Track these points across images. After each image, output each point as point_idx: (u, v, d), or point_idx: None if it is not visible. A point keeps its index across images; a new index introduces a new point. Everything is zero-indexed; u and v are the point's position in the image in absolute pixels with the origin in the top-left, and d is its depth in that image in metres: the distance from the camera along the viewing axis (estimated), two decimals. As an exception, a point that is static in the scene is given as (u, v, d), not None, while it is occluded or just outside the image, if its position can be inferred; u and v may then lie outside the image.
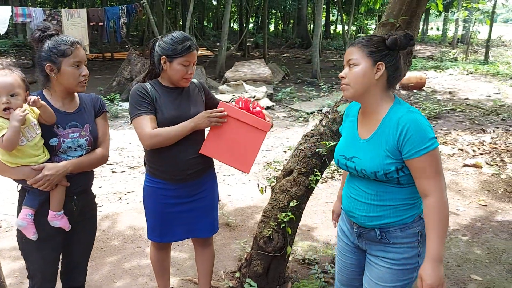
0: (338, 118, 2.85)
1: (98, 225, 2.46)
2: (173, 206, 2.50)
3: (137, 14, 11.48)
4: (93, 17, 10.35)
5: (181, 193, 2.48)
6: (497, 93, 11.02)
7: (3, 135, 1.84)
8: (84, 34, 10.09)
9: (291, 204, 2.85)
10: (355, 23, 24.53)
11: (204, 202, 2.58)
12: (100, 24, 10.51)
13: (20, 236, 2.09)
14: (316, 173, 2.87)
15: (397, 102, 1.79)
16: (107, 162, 5.51)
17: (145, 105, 2.32)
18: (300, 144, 3.04)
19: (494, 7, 17.76)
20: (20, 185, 2.10)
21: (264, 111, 2.49)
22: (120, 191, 4.88)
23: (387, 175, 1.74)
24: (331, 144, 2.75)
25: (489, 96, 10.73)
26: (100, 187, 4.95)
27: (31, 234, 2.02)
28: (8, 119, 1.86)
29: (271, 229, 2.90)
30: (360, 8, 23.14)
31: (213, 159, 2.53)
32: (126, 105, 9.44)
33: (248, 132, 2.36)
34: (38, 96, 1.95)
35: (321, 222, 4.17)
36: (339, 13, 28.47)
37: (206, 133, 2.44)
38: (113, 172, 5.50)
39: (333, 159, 2.06)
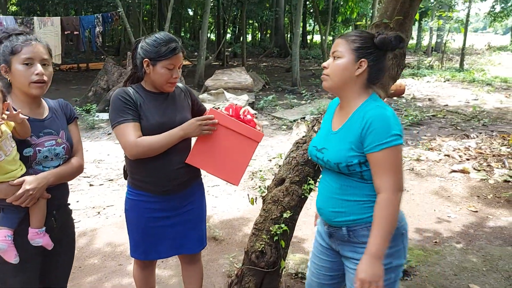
0: (331, 123, 2.71)
1: (75, 242, 2.24)
2: (158, 220, 2.30)
3: (113, 23, 11.22)
4: (67, 26, 10.05)
5: (167, 206, 2.30)
6: (475, 99, 11.16)
7: None
8: (57, 43, 9.78)
9: (284, 215, 2.69)
10: (332, 32, 24.75)
11: (192, 215, 2.40)
12: (75, 32, 10.21)
13: None
14: (310, 182, 2.72)
15: (371, 98, 1.78)
16: (84, 175, 5.24)
17: (128, 111, 2.12)
18: (292, 151, 2.89)
19: (467, 15, 18.18)
20: None
21: (255, 119, 2.33)
22: (99, 205, 4.62)
23: (349, 167, 1.73)
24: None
25: (468, 102, 10.85)
26: (77, 201, 4.68)
27: (13, 257, 1.79)
28: None
29: (264, 242, 2.74)
30: (337, 18, 23.43)
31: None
32: (102, 115, 9.14)
33: (239, 142, 2.20)
34: (19, 111, 1.71)
35: (312, 233, 4.01)
36: (315, 23, 28.76)
37: (193, 140, 2.27)
38: (90, 185, 5.23)
39: None
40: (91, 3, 21.01)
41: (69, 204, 2.13)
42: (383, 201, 1.66)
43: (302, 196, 2.73)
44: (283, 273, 2.99)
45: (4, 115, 1.68)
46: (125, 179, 2.41)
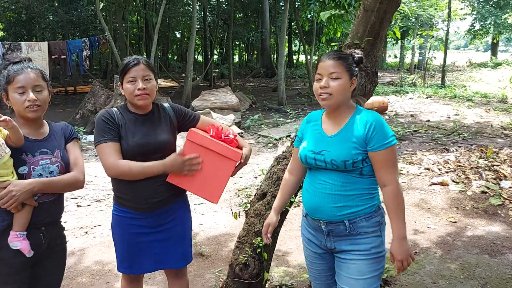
0: (309, 139, 2.84)
1: (66, 259, 2.31)
2: (141, 236, 2.39)
3: (100, 46, 11.37)
4: (54, 50, 10.19)
5: (149, 222, 2.37)
6: (456, 115, 11.45)
7: None
8: (45, 67, 9.89)
9: (266, 228, 2.79)
10: (317, 52, 25.19)
11: (175, 231, 2.47)
12: (62, 57, 10.34)
13: None
14: (290, 195, 2.83)
15: (358, 107, 2.07)
16: (71, 196, 5.26)
17: (109, 131, 2.23)
18: (273, 166, 3.02)
19: (447, 33, 18.71)
20: None
21: (238, 137, 2.45)
22: (87, 225, 4.68)
23: (354, 164, 1.94)
24: (304, 165, 2.73)
25: (449, 118, 11.13)
26: (65, 222, 4.71)
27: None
28: None
29: (247, 255, 2.83)
30: (321, 38, 23.85)
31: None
32: (90, 138, 9.19)
33: (217, 161, 2.28)
34: (7, 117, 1.86)
35: (296, 247, 4.11)
36: (300, 44, 29.24)
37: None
38: (78, 206, 5.28)
39: (299, 158, 2.14)
40: (78, 27, 21.16)
41: (61, 222, 2.20)
42: (392, 192, 1.95)
43: (284, 210, 2.83)
44: (267, 285, 3.08)
45: None
46: None
